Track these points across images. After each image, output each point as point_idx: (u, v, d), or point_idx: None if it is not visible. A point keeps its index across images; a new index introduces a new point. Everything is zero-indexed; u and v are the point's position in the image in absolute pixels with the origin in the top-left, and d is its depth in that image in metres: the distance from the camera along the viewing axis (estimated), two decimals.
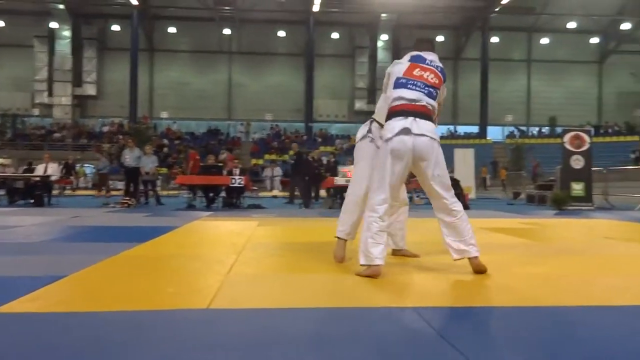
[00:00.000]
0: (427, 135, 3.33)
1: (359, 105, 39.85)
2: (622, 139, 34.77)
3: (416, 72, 3.50)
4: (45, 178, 12.89)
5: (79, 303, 2.70)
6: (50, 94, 38.03)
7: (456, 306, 2.76)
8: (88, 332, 2.16)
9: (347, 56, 40.51)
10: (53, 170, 13.56)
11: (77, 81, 38.36)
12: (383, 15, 37.73)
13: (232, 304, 2.66)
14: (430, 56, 3.64)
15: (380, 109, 4.01)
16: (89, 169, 27.94)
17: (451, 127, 38.98)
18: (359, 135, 4.14)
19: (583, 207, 12.34)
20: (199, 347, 1.97)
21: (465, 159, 19.19)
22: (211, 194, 12.48)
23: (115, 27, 38.77)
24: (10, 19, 37.09)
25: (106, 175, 16.33)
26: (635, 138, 34.79)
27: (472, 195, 17.72)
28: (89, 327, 2.23)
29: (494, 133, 38.90)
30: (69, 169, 20.30)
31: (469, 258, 3.42)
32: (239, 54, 40.05)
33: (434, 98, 3.47)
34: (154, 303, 2.66)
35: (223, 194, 12.65)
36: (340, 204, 13.29)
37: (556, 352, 1.96)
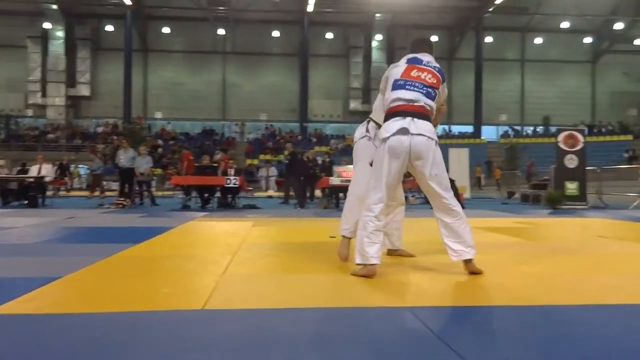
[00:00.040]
0: (424, 135, 3.33)
1: (354, 105, 39.88)
2: (615, 138, 34.97)
3: (414, 73, 3.52)
4: (39, 179, 12.84)
5: (74, 304, 2.69)
6: (44, 95, 37.84)
7: (452, 306, 2.77)
8: (83, 333, 2.15)
9: (342, 56, 40.52)
10: (47, 171, 13.52)
11: (71, 82, 38.18)
12: (377, 15, 37.75)
13: (227, 305, 2.66)
14: (427, 57, 3.66)
15: (377, 108, 4.07)
16: (83, 169, 27.83)
17: (446, 127, 39.06)
18: (357, 135, 4.21)
19: (577, 206, 12.40)
20: (194, 347, 1.97)
21: (459, 158, 19.23)
22: (206, 195, 12.46)
23: (109, 28, 38.61)
24: (3, 20, 36.87)
25: (100, 176, 16.26)
26: (629, 137, 35.02)
27: (466, 194, 17.76)
28: (84, 328, 2.22)
29: (489, 133, 39.01)
30: (63, 170, 20.21)
31: (464, 260, 3.43)
32: (233, 54, 39.99)
33: (432, 98, 3.48)
34: (149, 304, 2.66)
35: (218, 194, 12.64)
36: (336, 204, 13.38)
37: (551, 351, 1.97)
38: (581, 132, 13.63)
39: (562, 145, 13.07)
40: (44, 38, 38.07)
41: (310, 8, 34.69)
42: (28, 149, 30.28)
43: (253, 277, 3.49)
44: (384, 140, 3.40)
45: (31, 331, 2.18)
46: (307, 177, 13.81)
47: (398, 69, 3.59)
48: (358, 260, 3.38)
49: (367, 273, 3.34)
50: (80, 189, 24.50)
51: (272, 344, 2.02)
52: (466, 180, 19.10)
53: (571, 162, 12.96)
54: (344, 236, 4.05)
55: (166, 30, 39.06)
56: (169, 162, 27.73)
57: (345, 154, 29.11)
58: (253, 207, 12.12)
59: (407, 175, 3.85)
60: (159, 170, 24.01)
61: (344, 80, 40.48)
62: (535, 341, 2.11)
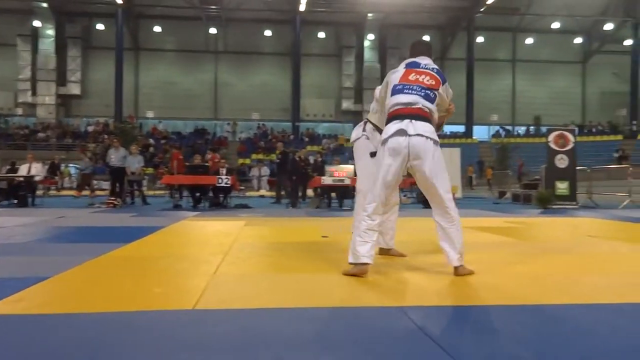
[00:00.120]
0: (422, 135, 3.36)
1: (346, 104, 39.91)
2: (605, 138, 35.22)
3: (412, 76, 3.56)
4: (29, 178, 12.74)
5: (64, 304, 2.67)
6: (34, 93, 37.55)
7: (443, 305, 2.77)
8: (72, 334, 2.14)
9: (334, 56, 40.52)
10: (37, 170, 13.41)
11: (61, 80, 37.91)
12: (369, 14, 37.79)
13: (219, 305, 2.65)
14: (425, 60, 3.70)
15: (373, 110, 4.13)
16: (73, 169, 27.67)
17: None
18: (354, 136, 4.31)
19: (567, 206, 12.49)
20: (184, 347, 1.96)
21: (451, 158, 19.24)
22: (198, 194, 12.43)
23: (100, 26, 38.36)
24: None
25: (88, 176, 16.16)
26: (619, 137, 35.29)
27: (458, 194, 17.83)
28: (73, 329, 2.21)
29: (480, 132, 39.18)
30: (54, 169, 20.06)
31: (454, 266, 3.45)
32: (225, 53, 39.88)
33: (431, 100, 3.50)
34: (140, 304, 2.65)
35: (210, 193, 12.61)
36: (328, 204, 13.36)
37: (542, 350, 1.98)
38: (571, 132, 13.72)
39: (552, 145, 13.15)
40: (34, 36, 37.76)
41: (302, 7, 34.69)
42: (18, 148, 30.03)
43: (245, 276, 3.48)
44: (383, 142, 3.45)
45: (20, 332, 2.16)
46: (299, 176, 13.81)
47: (397, 74, 3.64)
48: (350, 260, 3.40)
49: (358, 272, 3.35)
50: (70, 188, 24.33)
51: (264, 344, 2.01)
52: (458, 180, 19.17)
53: (562, 162, 13.05)
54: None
55: (157, 29, 38.88)
56: (160, 161, 27.62)
57: (338, 153, 29.17)
58: (245, 206, 12.10)
59: (408, 176, 3.87)
60: (150, 170, 23.91)
61: (336, 79, 40.49)
62: (526, 340, 2.12)
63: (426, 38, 37.16)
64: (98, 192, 16.06)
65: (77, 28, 38.25)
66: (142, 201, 13.58)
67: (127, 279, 3.32)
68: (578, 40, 41.32)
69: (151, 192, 18.35)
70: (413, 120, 3.38)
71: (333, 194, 13.20)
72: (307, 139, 35.86)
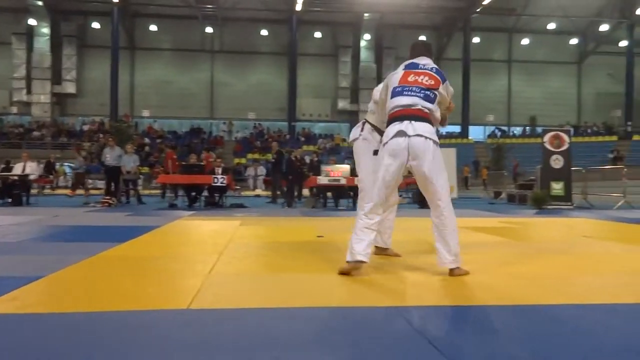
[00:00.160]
0: (422, 136, 3.38)
1: (342, 104, 39.92)
2: (600, 139, 35.37)
3: (410, 78, 3.57)
4: (23, 177, 12.69)
5: (58, 303, 2.66)
6: (29, 92, 37.38)
7: (437, 305, 2.77)
8: (67, 333, 2.13)
9: (330, 55, 40.52)
10: (32, 169, 13.36)
11: (57, 79, 37.76)
12: (366, 14, 37.81)
13: (213, 304, 2.65)
14: (424, 60, 3.71)
15: (371, 111, 4.17)
16: (68, 168, 27.59)
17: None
18: (352, 137, 4.37)
19: (562, 207, 12.51)
20: (178, 347, 1.96)
21: (447, 158, 19.08)
22: (193, 194, 12.40)
23: (95, 25, 38.22)
24: None
25: (82, 175, 16.10)
26: (613, 138, 35.45)
27: (454, 194, 17.85)
28: (68, 328, 2.20)
29: (476, 133, 39.26)
30: (50, 168, 20.01)
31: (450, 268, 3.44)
32: (221, 52, 39.83)
33: (431, 100, 3.50)
34: (134, 303, 2.64)
35: (205, 193, 12.59)
36: (323, 204, 13.35)
37: (536, 350, 1.98)
38: (567, 132, 13.76)
39: (548, 146, 13.19)
40: (29, 35, 37.60)
41: (299, 7, 34.68)
42: (12, 146, 29.89)
43: (240, 276, 3.48)
44: (384, 145, 3.49)
45: (13, 331, 2.15)
46: (294, 176, 13.80)
47: (396, 77, 3.65)
48: (347, 258, 3.43)
49: (351, 268, 3.38)
50: (65, 187, 24.26)
51: (260, 344, 2.01)
52: (454, 180, 19.18)
53: (557, 162, 13.08)
54: None
55: (153, 28, 38.80)
56: (156, 160, 27.56)
57: (334, 153, 29.18)
58: (240, 206, 12.08)
59: (408, 175, 3.89)
60: (145, 169, 23.85)
61: (332, 79, 40.49)
62: (522, 340, 2.12)
63: (422, 38, 37.30)
64: (92, 192, 15.99)
65: (73, 26, 38.12)
66: (137, 200, 13.55)
67: (122, 279, 3.31)
68: (574, 41, 41.48)
69: (147, 192, 18.30)
70: (413, 121, 3.40)
71: (329, 194, 13.20)
72: (303, 139, 35.85)
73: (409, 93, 3.50)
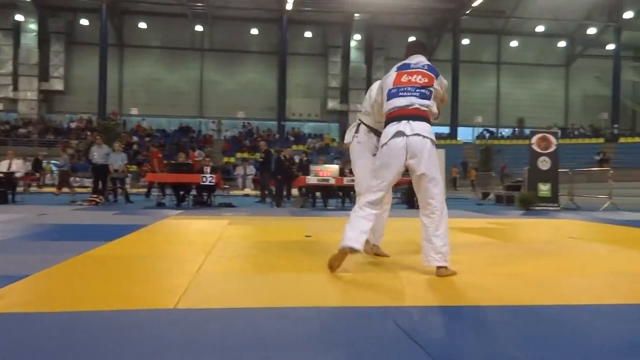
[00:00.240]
0: (420, 135, 3.42)
1: (332, 104, 39.95)
2: (587, 141, 35.70)
3: (404, 78, 3.61)
4: (9, 174, 12.56)
5: (42, 303, 2.63)
6: (16, 89, 37.01)
7: (425, 306, 2.78)
8: (51, 333, 2.11)
9: (320, 55, 40.53)
10: (18, 166, 13.24)
11: (44, 76, 37.41)
12: (356, 15, 37.88)
13: (200, 304, 2.63)
14: (416, 59, 3.74)
15: (366, 112, 4.18)
16: (55, 166, 27.34)
17: None
18: (347, 139, 4.41)
19: (549, 208, 12.62)
20: (164, 347, 1.95)
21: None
22: (181, 192, 12.34)
23: (84, 21, 37.90)
24: None
25: (67, 172, 15.92)
26: (600, 140, 35.79)
27: None
28: (52, 328, 2.18)
29: (464, 134, 39.46)
30: (38, 166, 19.80)
31: (436, 266, 3.45)
32: (211, 51, 39.68)
33: (427, 98, 3.55)
34: (120, 303, 2.62)
35: (194, 192, 12.54)
36: (312, 204, 13.35)
37: (522, 350, 1.99)
38: (554, 134, 13.87)
39: (535, 148, 13.29)
40: (16, 31, 37.23)
41: (289, 6, 34.64)
42: None
43: (227, 276, 3.46)
44: (383, 144, 3.52)
45: None
46: (284, 176, 13.79)
47: (390, 79, 3.69)
48: (340, 245, 3.48)
49: (340, 255, 3.45)
50: (52, 185, 24.05)
51: (247, 344, 2.00)
52: (442, 180, 19.27)
53: (544, 164, 13.19)
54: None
55: (143, 25, 38.57)
56: (144, 158, 27.39)
57: (323, 153, 29.18)
58: (229, 205, 12.05)
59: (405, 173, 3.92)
60: (133, 167, 23.69)
61: (322, 79, 40.50)
62: (507, 341, 2.13)
63: (412, 39, 37.49)
64: (78, 190, 15.83)
65: (61, 23, 37.78)
66: (125, 199, 13.46)
67: (109, 278, 3.29)
68: (562, 44, 41.88)
69: (134, 190, 18.19)
70: (411, 121, 3.44)
71: (318, 194, 13.21)
72: (292, 139, 35.82)
73: (405, 93, 3.53)
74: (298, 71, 39.39)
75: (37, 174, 20.00)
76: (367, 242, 4.16)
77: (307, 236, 5.69)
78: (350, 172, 12.47)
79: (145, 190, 16.16)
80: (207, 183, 11.86)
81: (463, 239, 5.69)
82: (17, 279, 3.07)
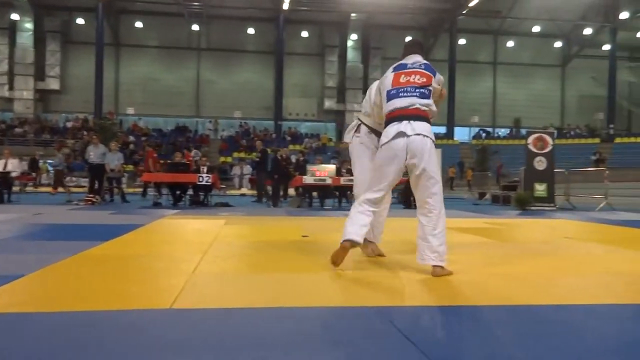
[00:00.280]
0: (420, 134, 3.43)
1: (329, 104, 39.94)
2: (583, 141, 35.81)
3: (402, 79, 3.60)
4: (5, 174, 12.52)
5: (40, 302, 2.62)
6: (11, 88, 36.87)
7: (420, 305, 2.78)
8: (47, 333, 2.10)
9: (317, 55, 40.52)
10: (13, 166, 13.17)
11: (40, 75, 37.27)
12: (353, 15, 37.87)
13: (196, 304, 2.63)
14: (412, 59, 3.73)
15: (366, 112, 4.19)
16: (50, 165, 27.26)
17: None
18: (347, 138, 4.40)
19: (545, 208, 12.65)
20: (159, 347, 1.94)
21: None
22: (178, 192, 12.32)
23: (80, 21, 37.76)
24: None
25: (61, 172, 15.88)
26: (596, 140, 35.90)
27: None
28: (48, 328, 2.17)
29: (461, 134, 39.51)
30: (35, 165, 19.72)
31: (432, 265, 3.45)
32: (207, 50, 39.62)
33: (427, 97, 3.56)
34: (116, 303, 2.61)
35: (190, 191, 12.52)
36: (309, 203, 13.35)
37: (518, 350, 2.00)
38: (550, 134, 13.91)
39: (531, 148, 13.32)
40: (12, 30, 37.08)
41: (285, 6, 34.64)
42: None
43: (224, 275, 3.46)
44: (383, 144, 3.53)
45: None
46: (280, 175, 13.78)
47: (387, 80, 3.70)
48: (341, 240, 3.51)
49: (342, 250, 3.47)
50: (49, 185, 23.99)
51: (243, 344, 2.00)
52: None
53: (540, 164, 13.22)
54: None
55: (139, 24, 38.47)
56: (140, 158, 27.32)
57: (320, 152, 29.19)
58: (226, 205, 12.04)
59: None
60: (130, 167, 23.64)
61: (318, 79, 40.49)
62: (503, 340, 2.14)
63: (408, 39, 37.46)
64: (73, 189, 15.78)
65: (57, 22, 37.63)
66: (121, 199, 13.44)
67: (105, 278, 3.28)
68: (558, 44, 41.97)
69: (131, 190, 18.15)
70: (411, 121, 3.45)
71: (314, 193, 13.21)
72: (289, 138, 35.80)
73: (405, 94, 3.54)
74: (295, 71, 39.36)
75: (33, 174, 19.93)
76: (369, 244, 4.17)
77: (303, 236, 5.69)
78: (348, 171, 12.53)
79: (141, 189, 16.12)
80: (203, 183, 11.84)
81: (459, 238, 5.70)
82: (13, 279, 3.06)
